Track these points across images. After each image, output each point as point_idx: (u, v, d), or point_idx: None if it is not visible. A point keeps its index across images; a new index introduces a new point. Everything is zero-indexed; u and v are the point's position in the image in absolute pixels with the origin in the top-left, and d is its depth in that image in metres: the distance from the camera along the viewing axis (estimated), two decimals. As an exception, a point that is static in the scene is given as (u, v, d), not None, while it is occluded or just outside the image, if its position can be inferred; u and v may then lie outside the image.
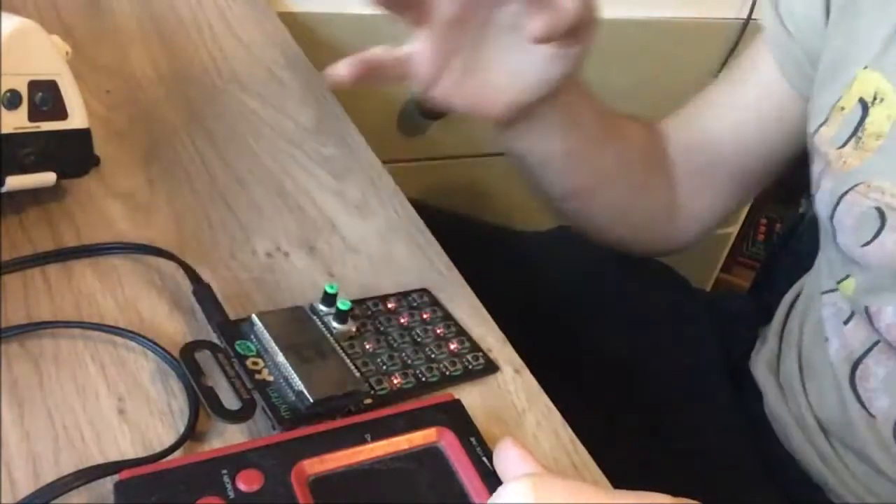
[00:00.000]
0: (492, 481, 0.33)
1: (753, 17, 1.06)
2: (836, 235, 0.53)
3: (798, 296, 0.66)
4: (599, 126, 0.58)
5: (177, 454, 0.34)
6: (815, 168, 0.56)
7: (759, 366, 0.65)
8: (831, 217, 0.53)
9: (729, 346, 0.70)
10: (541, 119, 0.53)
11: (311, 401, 0.36)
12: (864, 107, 0.51)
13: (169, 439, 0.34)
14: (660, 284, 0.75)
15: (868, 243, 0.50)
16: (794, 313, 0.64)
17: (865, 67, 0.51)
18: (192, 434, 0.35)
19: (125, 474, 0.30)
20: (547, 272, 0.66)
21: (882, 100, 0.49)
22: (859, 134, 0.50)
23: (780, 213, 1.48)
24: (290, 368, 0.37)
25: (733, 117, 0.63)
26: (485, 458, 0.34)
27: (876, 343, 0.53)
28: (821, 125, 0.54)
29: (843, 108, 0.52)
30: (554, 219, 0.68)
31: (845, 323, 0.56)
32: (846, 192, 0.51)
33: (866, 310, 0.52)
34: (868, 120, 0.50)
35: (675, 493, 0.59)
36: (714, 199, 0.66)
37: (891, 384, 0.52)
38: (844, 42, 0.53)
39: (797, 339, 0.62)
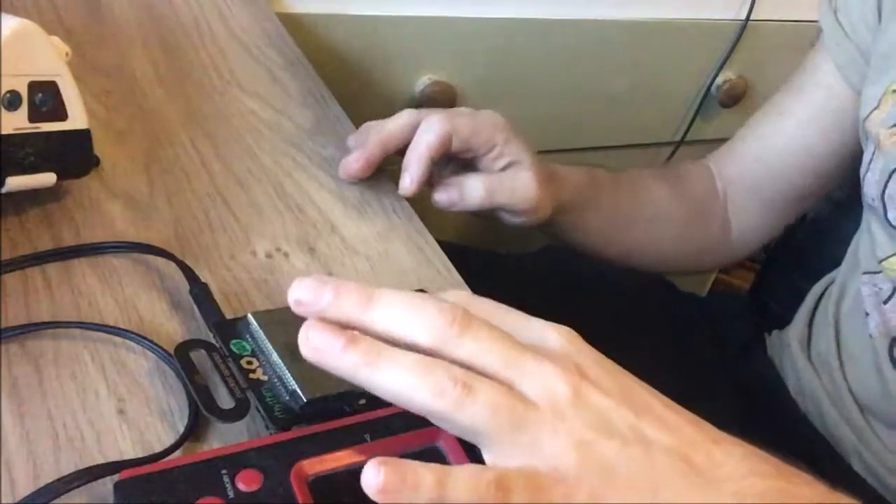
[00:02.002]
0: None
1: (752, 17, 1.06)
2: (888, 212, 0.55)
3: (828, 287, 0.68)
4: (615, 212, 0.67)
5: (176, 454, 0.34)
6: (867, 152, 0.58)
7: (790, 346, 0.66)
8: (882, 194, 0.55)
9: (723, 343, 0.71)
10: (562, 217, 0.62)
11: (305, 401, 0.36)
12: None
13: (169, 439, 0.34)
14: (650, 290, 0.76)
15: None
16: (828, 297, 0.66)
17: None
18: (191, 434, 0.35)
19: (125, 474, 0.30)
20: (536, 288, 0.67)
21: None
22: None
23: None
24: (285, 368, 0.37)
25: (796, 122, 0.67)
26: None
27: None
28: (872, 110, 0.56)
29: (894, 91, 0.54)
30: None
31: (885, 302, 0.58)
32: None
33: None
34: None
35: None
36: (770, 213, 0.71)
37: None
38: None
39: (834, 318, 0.64)
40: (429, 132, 0.53)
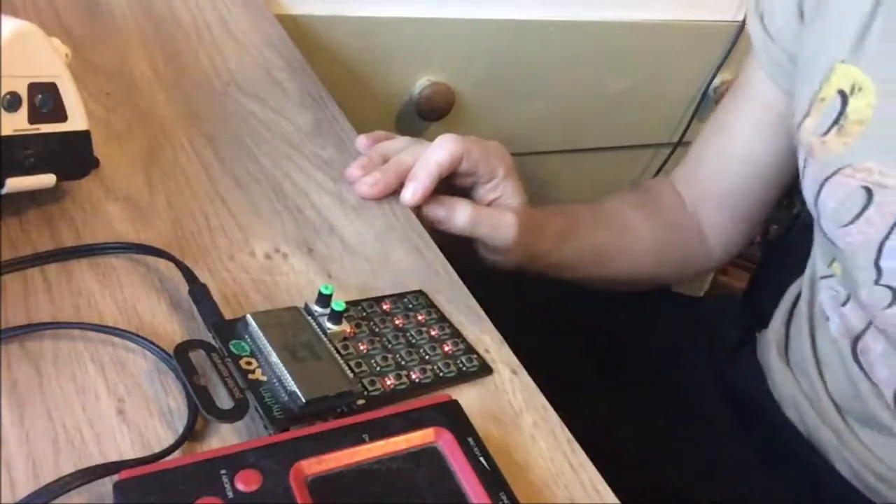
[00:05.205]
0: (489, 481, 0.34)
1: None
2: (821, 219, 0.56)
3: (802, 286, 0.68)
4: (593, 248, 0.68)
5: (176, 454, 0.34)
6: (800, 158, 0.58)
7: (770, 352, 0.67)
8: (815, 202, 0.55)
9: (713, 345, 0.71)
10: (537, 261, 0.63)
11: (304, 401, 0.36)
12: (844, 97, 0.53)
13: (168, 439, 0.34)
14: (644, 292, 0.76)
15: (849, 223, 0.53)
16: (802, 299, 0.67)
17: (843, 62, 0.53)
18: (190, 434, 0.35)
19: (124, 474, 0.31)
20: (530, 290, 0.68)
21: (860, 89, 0.52)
22: (841, 122, 0.53)
23: (775, 214, 1.48)
24: (284, 368, 0.37)
25: (741, 136, 0.68)
26: (482, 459, 0.35)
27: (871, 322, 0.56)
28: (804, 117, 0.56)
29: (822, 100, 0.55)
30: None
31: (843, 305, 0.58)
32: (830, 176, 0.54)
33: (853, 289, 0.55)
34: (849, 108, 0.53)
35: (675, 492, 0.59)
36: (739, 223, 0.72)
37: (888, 358, 0.55)
38: (819, 38, 0.56)
39: (807, 322, 0.64)
40: (441, 149, 0.54)
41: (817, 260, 0.62)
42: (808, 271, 0.66)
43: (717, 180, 0.70)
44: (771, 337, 0.67)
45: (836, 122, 0.53)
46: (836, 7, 0.55)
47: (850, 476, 0.59)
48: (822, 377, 0.61)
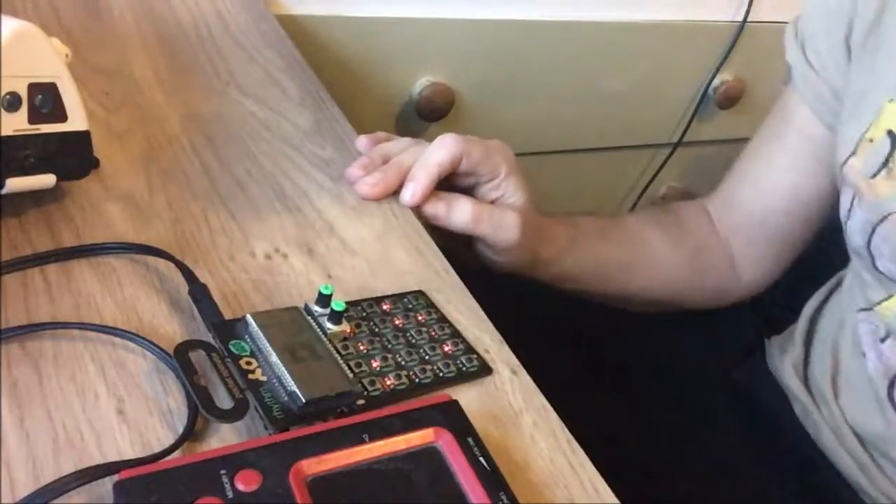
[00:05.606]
0: (489, 481, 0.34)
1: (749, 19, 1.06)
2: (876, 261, 0.54)
3: (823, 302, 0.67)
4: (596, 262, 0.66)
5: (176, 454, 0.34)
6: (845, 198, 0.57)
7: (784, 365, 0.66)
8: (868, 245, 0.54)
9: (718, 346, 0.71)
10: (540, 268, 0.62)
11: (304, 401, 0.36)
12: (893, 138, 0.52)
13: (168, 439, 0.34)
14: None
15: None
16: (824, 323, 0.65)
17: (892, 100, 0.52)
18: (190, 434, 0.35)
19: (124, 474, 0.31)
20: (532, 292, 0.68)
21: None
22: (890, 165, 0.52)
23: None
24: (283, 368, 0.37)
25: (779, 167, 0.66)
26: (482, 459, 0.35)
27: None
28: (849, 156, 0.55)
29: (871, 140, 0.53)
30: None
31: (882, 341, 0.57)
32: (882, 220, 0.52)
33: None
34: None
35: (676, 495, 0.59)
36: (772, 254, 0.70)
37: None
38: (868, 76, 0.55)
39: (831, 349, 0.62)
40: (441, 149, 0.53)
41: (855, 294, 0.60)
42: (837, 303, 0.64)
43: (754, 213, 0.69)
44: (788, 355, 0.66)
45: (884, 164, 0.52)
46: (886, 44, 0.54)
47: (867, 499, 0.58)
48: (841, 406, 0.60)
